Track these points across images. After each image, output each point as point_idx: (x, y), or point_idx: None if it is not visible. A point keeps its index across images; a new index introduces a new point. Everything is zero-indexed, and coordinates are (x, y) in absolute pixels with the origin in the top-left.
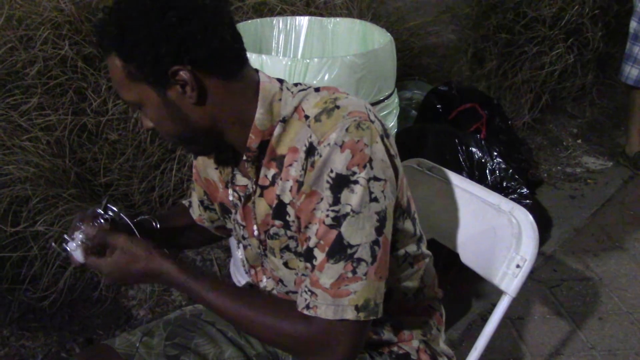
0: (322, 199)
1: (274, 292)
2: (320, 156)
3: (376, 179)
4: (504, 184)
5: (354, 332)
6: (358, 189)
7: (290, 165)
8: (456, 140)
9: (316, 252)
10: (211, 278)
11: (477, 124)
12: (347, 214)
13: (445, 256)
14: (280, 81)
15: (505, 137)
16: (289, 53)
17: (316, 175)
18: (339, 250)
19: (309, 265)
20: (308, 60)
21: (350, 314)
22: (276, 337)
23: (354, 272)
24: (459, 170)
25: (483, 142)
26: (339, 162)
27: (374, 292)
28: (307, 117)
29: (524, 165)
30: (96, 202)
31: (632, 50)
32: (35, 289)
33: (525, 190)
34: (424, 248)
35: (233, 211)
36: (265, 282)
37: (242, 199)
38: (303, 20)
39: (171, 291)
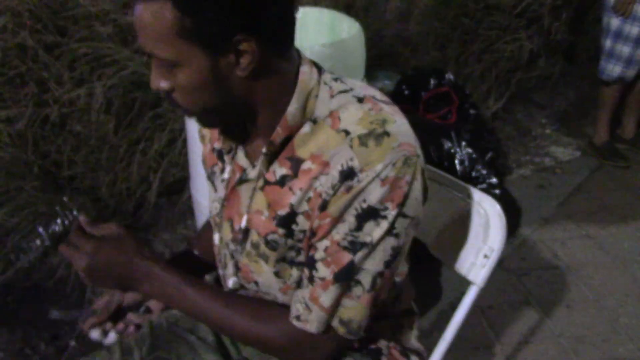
0: (343, 221)
1: (242, 291)
2: (359, 183)
3: (404, 216)
4: (473, 173)
5: (330, 341)
6: (384, 223)
7: (316, 177)
8: (426, 131)
9: (319, 266)
10: (197, 281)
11: (448, 107)
12: (364, 243)
13: (418, 247)
14: (319, 69)
15: (474, 125)
16: None
17: (348, 201)
18: (347, 275)
19: (307, 272)
20: None
21: (333, 323)
22: (256, 342)
23: (349, 289)
24: (427, 161)
25: (452, 133)
26: (375, 196)
27: (360, 316)
28: (347, 132)
29: (493, 154)
30: (60, 195)
31: (614, 48)
32: None
33: (494, 179)
34: (407, 263)
35: (218, 179)
36: (230, 282)
37: (236, 180)
38: None
39: None
